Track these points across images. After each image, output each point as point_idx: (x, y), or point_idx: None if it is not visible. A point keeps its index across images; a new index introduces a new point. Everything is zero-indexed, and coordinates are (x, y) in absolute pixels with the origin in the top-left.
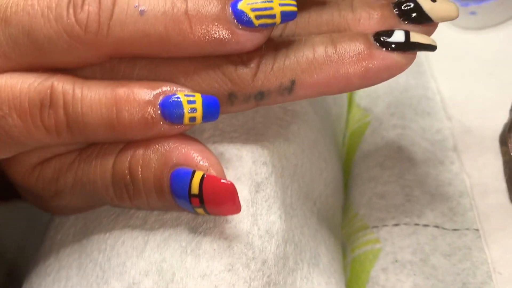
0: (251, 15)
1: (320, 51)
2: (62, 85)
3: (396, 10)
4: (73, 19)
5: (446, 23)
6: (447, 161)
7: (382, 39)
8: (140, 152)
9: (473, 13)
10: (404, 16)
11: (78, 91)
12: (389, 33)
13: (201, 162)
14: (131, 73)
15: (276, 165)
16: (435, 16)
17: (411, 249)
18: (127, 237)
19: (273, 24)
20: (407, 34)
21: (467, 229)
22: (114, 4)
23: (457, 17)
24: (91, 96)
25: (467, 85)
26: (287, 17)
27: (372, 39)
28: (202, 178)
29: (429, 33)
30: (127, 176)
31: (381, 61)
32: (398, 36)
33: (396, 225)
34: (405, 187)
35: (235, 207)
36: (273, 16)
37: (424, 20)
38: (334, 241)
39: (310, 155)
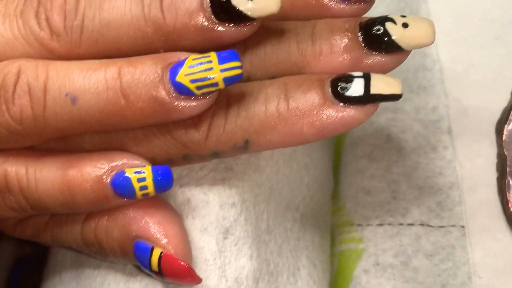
0: (191, 86)
1: (272, 108)
2: (15, 170)
3: (362, 36)
4: (7, 115)
5: None
6: (440, 146)
7: (340, 90)
8: (103, 221)
9: None
10: (371, 45)
11: (31, 176)
12: (348, 79)
13: (159, 237)
14: (82, 141)
15: (247, 199)
16: (406, 45)
17: (393, 251)
18: (111, 280)
19: (217, 90)
20: (367, 84)
21: (453, 226)
22: (45, 93)
23: (433, 42)
24: (44, 180)
25: (470, 52)
26: (231, 81)
27: (329, 90)
28: (160, 256)
29: (400, 61)
30: (95, 244)
31: (337, 119)
32: (357, 87)
33: (380, 225)
34: (391, 183)
35: (195, 281)
36: (215, 84)
37: (394, 50)
38: (321, 235)
39: (287, 171)
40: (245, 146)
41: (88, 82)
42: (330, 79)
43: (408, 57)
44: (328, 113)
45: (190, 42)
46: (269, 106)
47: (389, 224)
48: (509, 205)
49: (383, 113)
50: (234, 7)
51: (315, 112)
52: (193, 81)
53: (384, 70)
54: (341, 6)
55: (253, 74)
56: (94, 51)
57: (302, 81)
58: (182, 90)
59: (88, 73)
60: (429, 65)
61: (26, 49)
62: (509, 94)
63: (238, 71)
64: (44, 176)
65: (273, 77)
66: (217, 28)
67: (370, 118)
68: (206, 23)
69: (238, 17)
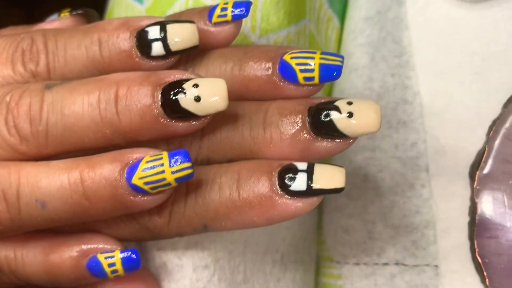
0: (146, 187)
1: (224, 197)
2: (5, 254)
3: (310, 122)
4: None
5: None
6: (418, 184)
7: (286, 182)
8: None
9: None
10: (318, 132)
11: (19, 259)
12: (294, 172)
13: None
14: (61, 227)
15: (220, 257)
16: (351, 134)
17: None
18: None
19: (171, 188)
20: (309, 178)
21: (427, 265)
22: (18, 199)
23: (378, 130)
24: (30, 264)
25: (449, 87)
26: (183, 180)
27: (276, 183)
28: None
29: (348, 146)
30: None
31: (283, 210)
32: (300, 182)
33: (357, 264)
34: (367, 223)
35: None
36: (168, 184)
37: (341, 137)
38: (304, 269)
39: None
40: (204, 229)
41: (54, 188)
42: (278, 169)
43: (388, 91)
44: (275, 205)
45: (147, 137)
46: (222, 195)
47: (364, 263)
48: (476, 254)
49: (360, 152)
50: (183, 108)
51: (263, 204)
52: (147, 183)
53: (332, 154)
54: (293, 88)
55: (211, 157)
56: (61, 150)
57: (253, 171)
58: (138, 190)
59: (54, 179)
60: (409, 99)
61: None
62: (484, 135)
63: (189, 171)
64: (30, 260)
65: (230, 159)
66: (170, 126)
67: (348, 156)
68: (159, 123)
69: (188, 115)
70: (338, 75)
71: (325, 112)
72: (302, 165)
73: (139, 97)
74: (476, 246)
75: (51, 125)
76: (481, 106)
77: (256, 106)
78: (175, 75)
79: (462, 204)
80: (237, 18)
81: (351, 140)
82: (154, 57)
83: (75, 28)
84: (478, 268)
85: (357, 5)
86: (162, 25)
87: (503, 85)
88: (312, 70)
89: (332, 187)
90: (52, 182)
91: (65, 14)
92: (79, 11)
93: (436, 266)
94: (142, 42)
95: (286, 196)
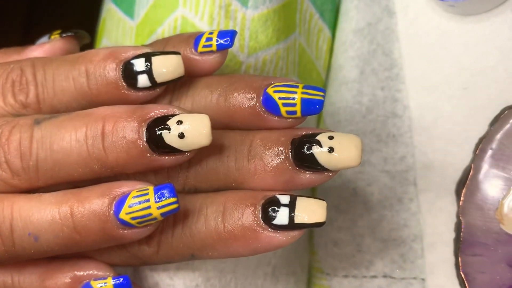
0: (133, 222)
1: (210, 229)
2: (2, 280)
3: (292, 154)
4: None
5: (429, 1)
6: (406, 198)
7: (269, 216)
8: None
9: (452, 6)
10: (301, 164)
11: (16, 285)
12: (276, 205)
13: None
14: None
15: (211, 276)
16: (332, 167)
17: None
18: None
19: (157, 221)
20: (291, 212)
21: (414, 278)
22: (12, 233)
23: (358, 164)
24: None
25: (438, 102)
26: (169, 214)
27: (259, 216)
28: None
29: (329, 178)
30: None
31: (266, 242)
32: (282, 216)
33: (345, 276)
34: (356, 236)
35: None
36: (154, 219)
37: (322, 170)
38: (295, 280)
39: None
40: (192, 258)
41: (46, 222)
42: (262, 202)
43: (377, 104)
44: (259, 238)
45: (134, 170)
46: (208, 227)
47: (353, 276)
48: (460, 270)
49: None
50: (167, 144)
51: (247, 236)
52: (133, 218)
53: (315, 185)
54: (276, 119)
55: (198, 186)
56: (52, 183)
57: (238, 203)
58: (126, 224)
59: (45, 213)
60: (399, 112)
61: None
62: (471, 152)
63: (174, 206)
64: (27, 286)
65: (217, 188)
66: (156, 160)
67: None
68: (145, 157)
69: (173, 150)
70: (320, 109)
71: (307, 146)
72: (284, 199)
73: (124, 134)
74: (460, 263)
75: (41, 161)
76: (469, 123)
77: (241, 137)
78: (159, 110)
79: (448, 220)
80: (222, 49)
81: (333, 173)
82: (140, 89)
83: (64, 58)
84: (462, 284)
85: (348, 17)
86: (147, 57)
87: (491, 101)
88: (294, 105)
89: (313, 221)
90: (44, 216)
91: (56, 36)
92: (69, 33)
93: (423, 279)
94: (128, 74)
95: (269, 229)
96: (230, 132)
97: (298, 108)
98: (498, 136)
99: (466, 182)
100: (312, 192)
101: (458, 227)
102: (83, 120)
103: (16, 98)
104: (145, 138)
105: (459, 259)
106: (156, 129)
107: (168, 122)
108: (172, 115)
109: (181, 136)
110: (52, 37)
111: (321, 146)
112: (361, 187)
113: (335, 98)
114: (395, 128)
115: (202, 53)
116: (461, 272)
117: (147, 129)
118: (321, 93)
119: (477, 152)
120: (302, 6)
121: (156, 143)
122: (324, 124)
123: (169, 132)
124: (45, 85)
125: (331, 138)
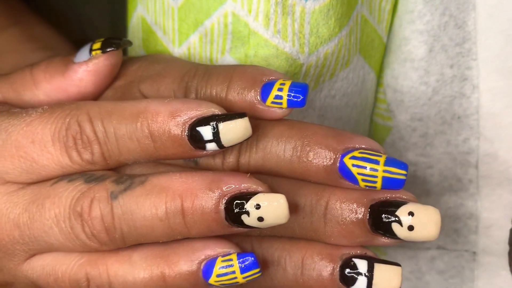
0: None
1: (289, 277)
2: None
3: (370, 222)
4: None
5: None
6: (466, 178)
7: (347, 281)
8: None
9: None
10: (377, 230)
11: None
12: (355, 271)
13: None
14: None
15: None
16: (409, 240)
17: (410, 269)
18: None
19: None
20: (369, 284)
21: (466, 250)
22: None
23: (436, 238)
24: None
25: (511, 89)
26: (251, 281)
27: (337, 277)
28: None
29: (402, 242)
30: None
31: None
32: (360, 284)
33: (401, 247)
34: None
35: None
36: (237, 283)
37: (398, 239)
38: None
39: None
40: None
41: (141, 285)
42: (340, 263)
43: (444, 84)
44: None
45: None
46: (287, 274)
47: (408, 247)
48: None
49: (412, 149)
50: (247, 225)
51: None
52: (221, 284)
53: (387, 246)
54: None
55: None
56: (136, 243)
57: (317, 261)
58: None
59: (139, 278)
60: (467, 92)
61: (80, 249)
62: None
63: (258, 275)
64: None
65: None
66: (235, 230)
67: (399, 150)
68: (225, 228)
69: (250, 227)
70: (401, 187)
71: (386, 220)
72: (362, 266)
73: (203, 212)
74: None
75: (125, 234)
76: None
77: (316, 196)
78: (235, 184)
79: (507, 207)
80: (292, 107)
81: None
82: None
83: (121, 110)
84: None
85: None
86: (214, 124)
87: None
88: (374, 182)
89: None
90: (138, 281)
91: (97, 52)
92: (112, 48)
93: (474, 252)
94: (196, 139)
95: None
96: (304, 188)
97: (378, 185)
98: None
99: None
100: None
101: None
102: (159, 196)
103: (82, 157)
104: (224, 215)
105: None
106: (235, 211)
107: (246, 207)
108: (248, 193)
109: (260, 219)
110: (94, 53)
111: (401, 224)
112: (422, 169)
113: (398, 71)
114: (461, 109)
115: (270, 105)
116: None
117: (225, 208)
118: (404, 172)
119: None
120: None
121: (236, 220)
122: (387, 85)
123: (248, 216)
124: (108, 143)
125: (411, 214)
